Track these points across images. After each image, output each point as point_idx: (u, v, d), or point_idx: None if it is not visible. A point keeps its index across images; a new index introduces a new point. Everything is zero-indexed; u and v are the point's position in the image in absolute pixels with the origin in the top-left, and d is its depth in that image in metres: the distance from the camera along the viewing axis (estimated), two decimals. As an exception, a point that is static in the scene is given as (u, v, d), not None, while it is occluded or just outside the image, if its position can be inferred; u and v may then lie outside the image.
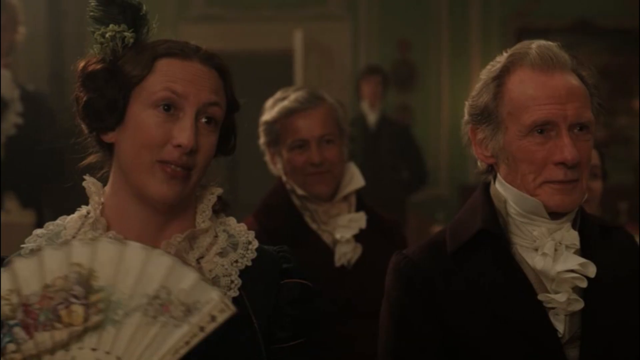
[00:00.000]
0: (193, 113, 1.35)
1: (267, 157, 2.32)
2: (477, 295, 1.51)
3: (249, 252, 1.44)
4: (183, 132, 1.33)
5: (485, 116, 1.55)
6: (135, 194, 1.37)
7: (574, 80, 1.52)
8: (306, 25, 7.05)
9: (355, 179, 2.27)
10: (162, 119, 1.34)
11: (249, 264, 1.43)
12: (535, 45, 1.54)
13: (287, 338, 1.42)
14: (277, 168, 2.30)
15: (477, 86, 1.58)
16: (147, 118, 1.34)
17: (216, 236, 1.43)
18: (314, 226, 2.22)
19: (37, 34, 5.62)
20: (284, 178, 2.28)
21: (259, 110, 2.36)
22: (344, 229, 2.19)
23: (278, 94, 2.30)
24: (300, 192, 2.23)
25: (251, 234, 1.47)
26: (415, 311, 1.53)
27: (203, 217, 1.43)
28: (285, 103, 2.26)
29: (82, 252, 1.22)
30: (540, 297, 1.49)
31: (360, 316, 2.12)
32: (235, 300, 1.37)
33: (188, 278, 1.19)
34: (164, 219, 1.39)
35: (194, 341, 1.17)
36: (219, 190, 1.46)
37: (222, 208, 1.48)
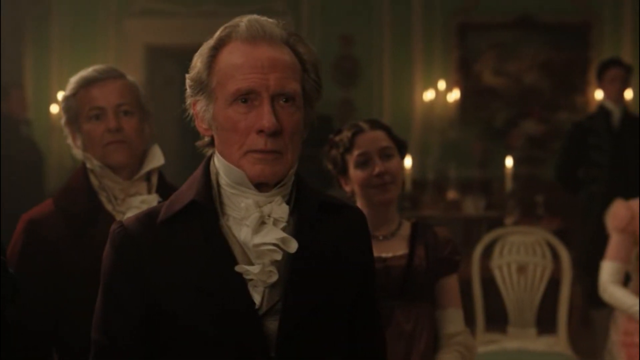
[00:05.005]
0: None
1: (70, 140, 2.31)
2: (181, 266, 1.51)
3: None
4: None
5: (200, 87, 1.56)
6: None
7: (281, 53, 1.53)
8: (248, 20, 7.04)
9: (156, 157, 2.27)
10: None
11: None
12: (247, 18, 1.56)
13: None
14: (77, 145, 2.28)
15: (195, 58, 1.59)
16: None
17: None
18: (109, 207, 2.21)
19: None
20: (83, 156, 2.26)
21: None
22: (135, 210, 2.19)
23: (80, 72, 2.30)
24: (96, 162, 2.23)
25: None
26: (121, 280, 1.53)
27: None
28: (83, 74, 2.26)
29: None
30: (237, 268, 1.50)
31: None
32: None
33: None
34: None
35: None
36: None
37: None
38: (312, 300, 1.53)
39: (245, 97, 1.50)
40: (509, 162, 5.42)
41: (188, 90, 1.59)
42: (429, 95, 7.17)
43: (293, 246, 1.51)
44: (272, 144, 1.49)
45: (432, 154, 7.09)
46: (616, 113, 5.23)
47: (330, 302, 1.56)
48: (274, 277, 1.50)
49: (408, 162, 5.69)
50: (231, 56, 1.52)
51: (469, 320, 3.70)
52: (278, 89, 1.50)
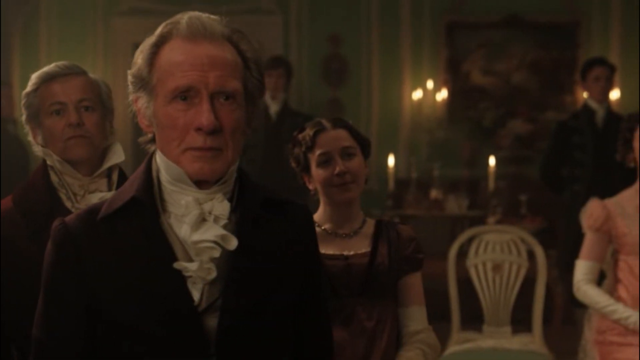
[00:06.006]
0: None
1: (30, 137, 2.31)
2: (121, 263, 1.51)
3: None
4: None
5: (141, 84, 1.56)
6: None
7: (222, 51, 1.53)
8: (237, 19, 7.00)
9: (117, 154, 2.27)
10: None
11: None
12: (187, 16, 1.56)
13: None
14: (37, 142, 2.28)
15: (136, 54, 1.58)
16: None
17: None
18: (68, 204, 2.21)
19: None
20: (43, 152, 2.26)
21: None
22: None
23: (42, 69, 2.30)
24: (56, 157, 2.22)
25: None
26: (62, 277, 1.54)
27: None
28: (44, 69, 2.26)
29: None
30: (176, 265, 1.50)
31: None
32: None
33: None
34: None
35: None
36: None
37: None
38: (252, 298, 1.53)
39: (185, 95, 1.50)
40: (492, 161, 5.42)
41: (130, 87, 1.59)
42: (417, 94, 7.16)
43: (233, 243, 1.51)
44: (211, 141, 1.49)
45: (421, 153, 7.09)
46: (600, 112, 5.23)
47: (272, 299, 1.55)
48: (213, 274, 1.50)
49: (391, 161, 5.69)
50: (171, 53, 1.52)
51: (444, 318, 3.71)
52: (218, 87, 1.50)
